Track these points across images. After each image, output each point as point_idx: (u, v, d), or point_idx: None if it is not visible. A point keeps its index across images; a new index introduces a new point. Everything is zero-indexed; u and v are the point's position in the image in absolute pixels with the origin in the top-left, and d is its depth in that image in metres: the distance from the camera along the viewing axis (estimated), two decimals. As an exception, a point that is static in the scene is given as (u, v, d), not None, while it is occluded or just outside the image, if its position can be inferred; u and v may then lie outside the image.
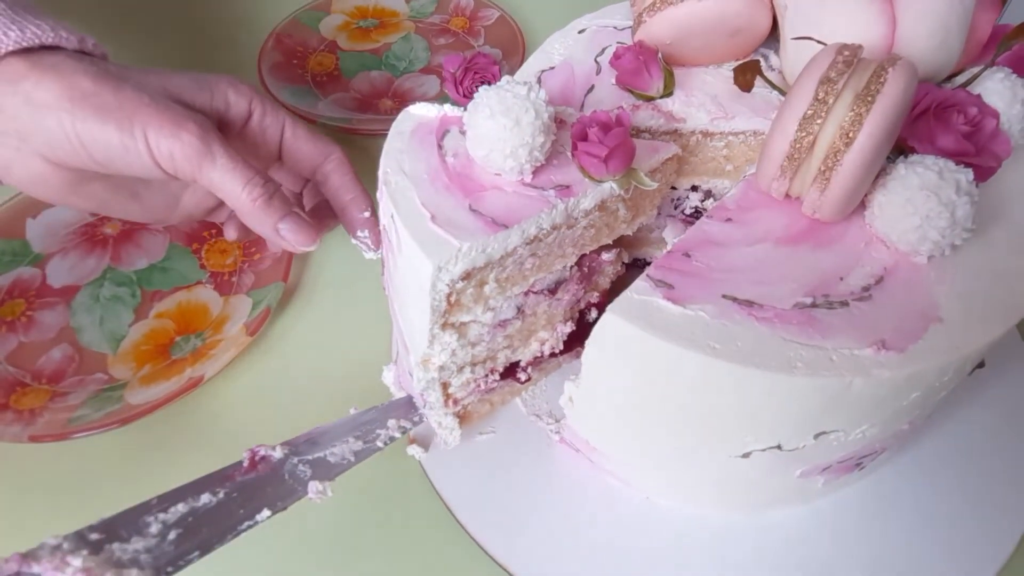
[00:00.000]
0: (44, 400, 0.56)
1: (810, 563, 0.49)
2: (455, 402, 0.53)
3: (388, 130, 0.48)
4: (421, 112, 0.48)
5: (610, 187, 0.45)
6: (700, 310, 0.39)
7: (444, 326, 0.45)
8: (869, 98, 0.36)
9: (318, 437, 0.47)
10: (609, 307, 0.40)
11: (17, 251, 0.66)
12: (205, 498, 0.40)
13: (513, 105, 0.42)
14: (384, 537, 0.51)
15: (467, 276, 0.43)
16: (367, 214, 0.55)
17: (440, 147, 0.47)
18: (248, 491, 0.42)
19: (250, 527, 0.41)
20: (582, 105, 0.50)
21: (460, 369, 0.51)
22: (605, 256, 0.54)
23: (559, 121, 0.48)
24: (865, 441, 0.44)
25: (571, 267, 0.51)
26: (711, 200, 0.50)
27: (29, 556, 0.33)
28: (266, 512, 0.41)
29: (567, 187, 0.44)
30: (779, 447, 0.43)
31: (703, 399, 0.41)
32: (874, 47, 0.42)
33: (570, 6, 0.98)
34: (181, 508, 0.39)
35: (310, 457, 0.45)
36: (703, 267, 0.41)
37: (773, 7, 0.47)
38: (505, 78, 0.45)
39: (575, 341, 0.58)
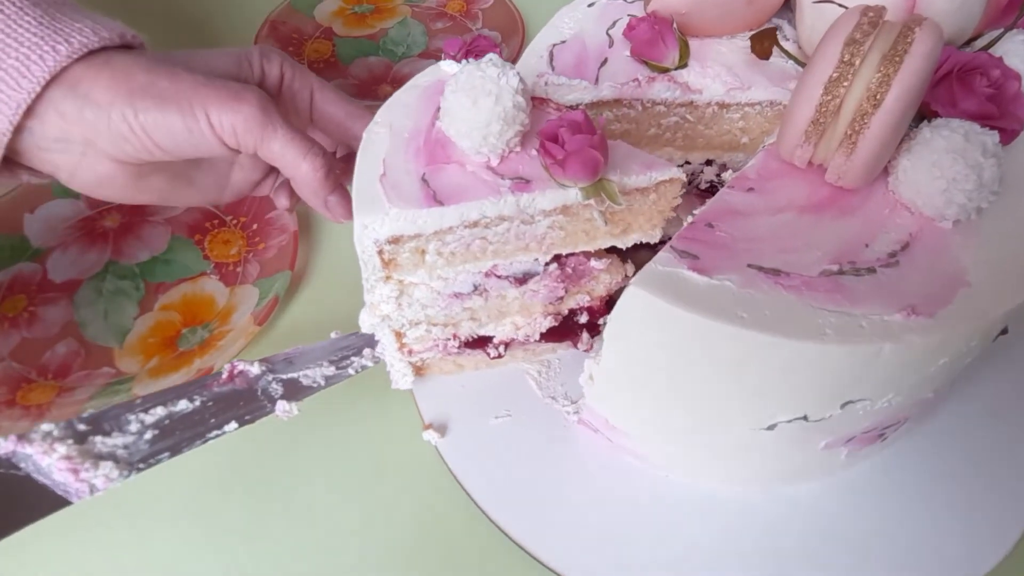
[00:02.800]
0: (51, 395, 0.55)
1: (830, 537, 0.49)
2: (411, 352, 0.53)
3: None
4: (448, 69, 0.48)
5: (575, 193, 0.43)
6: (726, 280, 0.39)
7: (386, 279, 0.46)
8: (897, 58, 0.36)
9: (296, 357, 0.49)
10: (633, 280, 0.39)
11: (16, 246, 0.65)
12: (182, 404, 0.43)
13: (476, 85, 0.40)
14: (403, 524, 0.51)
15: (396, 240, 0.43)
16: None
17: (439, 109, 0.46)
18: (222, 402, 0.45)
19: (217, 436, 0.44)
20: (596, 79, 0.49)
21: (414, 324, 0.51)
22: (595, 262, 0.52)
23: (558, 108, 0.47)
24: (890, 410, 0.44)
25: (546, 264, 0.50)
26: (729, 173, 0.49)
27: (23, 438, 0.38)
28: (233, 424, 0.44)
29: (527, 182, 0.43)
30: (805, 418, 0.43)
31: (730, 370, 0.40)
32: (895, 10, 0.42)
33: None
34: (160, 411, 0.43)
35: (284, 376, 0.48)
36: (727, 237, 0.40)
37: (789, -27, 0.47)
38: (490, 56, 0.43)
39: (565, 335, 0.57)
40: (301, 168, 0.48)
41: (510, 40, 0.85)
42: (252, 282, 0.64)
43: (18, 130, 0.43)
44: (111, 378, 0.57)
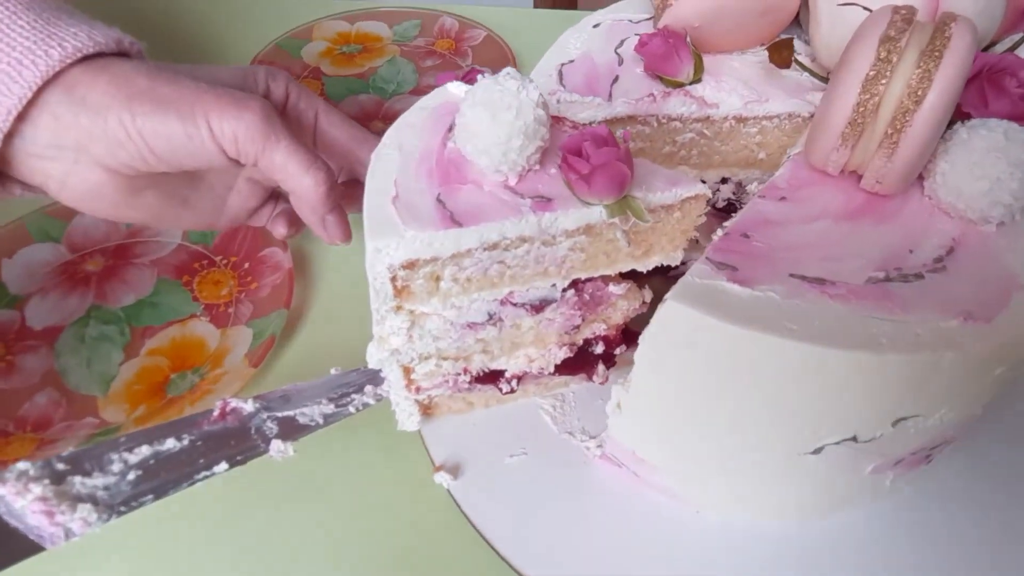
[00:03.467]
0: (31, 449, 0.50)
1: (873, 571, 0.46)
2: (419, 389, 0.50)
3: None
4: (456, 91, 0.46)
5: (599, 211, 0.41)
6: (769, 291, 0.36)
7: (397, 309, 0.43)
8: (936, 54, 0.34)
9: (293, 395, 0.46)
10: (669, 295, 0.37)
11: (-9, 294, 0.61)
12: (170, 443, 0.41)
13: (496, 99, 0.38)
14: (417, 572, 0.47)
15: (411, 265, 0.40)
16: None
17: (450, 129, 0.44)
18: (212, 441, 0.42)
19: (206, 477, 0.41)
20: (610, 95, 0.48)
21: (424, 358, 0.48)
22: (613, 288, 0.50)
23: (574, 126, 0.45)
24: (941, 428, 0.41)
25: (564, 289, 0.48)
26: (749, 192, 0.47)
27: None
28: (224, 465, 0.41)
29: (548, 200, 0.40)
30: (854, 439, 0.40)
31: (776, 387, 0.37)
32: (921, 12, 0.41)
33: (554, 23, 0.99)
34: (145, 450, 0.40)
35: (279, 414, 0.45)
36: (764, 247, 0.38)
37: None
38: (507, 69, 0.41)
39: (580, 368, 0.55)
40: (303, 181, 0.46)
41: (502, 75, 0.84)
42: (245, 323, 0.61)
43: (10, 135, 0.41)
44: (95, 429, 0.53)
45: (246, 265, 0.65)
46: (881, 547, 0.47)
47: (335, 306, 0.63)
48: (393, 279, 0.40)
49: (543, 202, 0.40)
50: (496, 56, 0.88)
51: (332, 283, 0.65)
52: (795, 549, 0.47)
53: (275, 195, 0.56)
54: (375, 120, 0.81)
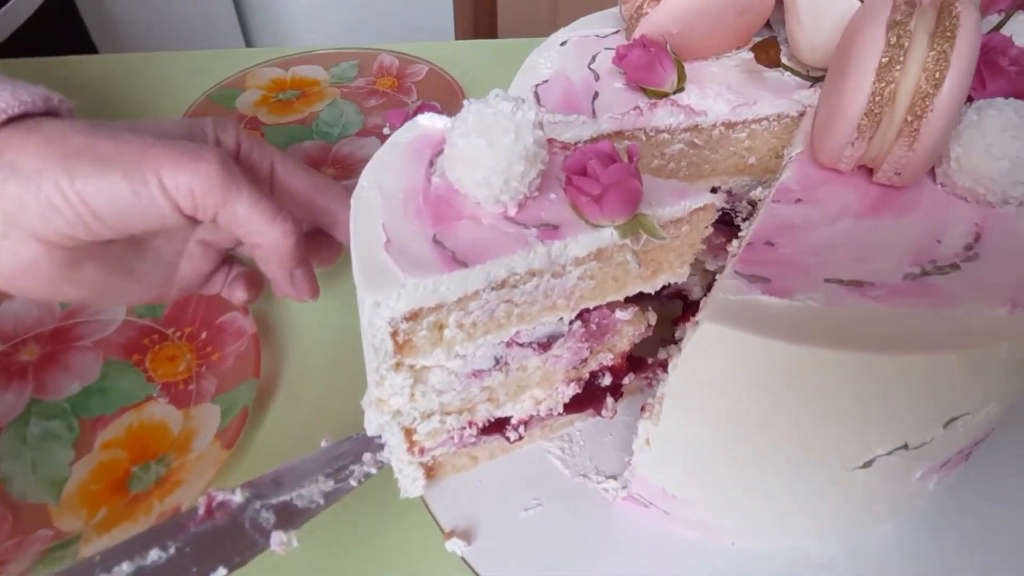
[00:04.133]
0: (-26, 578, 0.43)
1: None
2: (422, 451, 0.46)
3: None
4: (428, 123, 0.42)
5: (610, 234, 0.38)
6: (808, 299, 0.34)
7: (397, 367, 0.39)
8: (948, 34, 0.33)
9: (284, 476, 0.41)
10: (703, 316, 0.34)
11: (-91, 400, 0.53)
12: (154, 555, 0.36)
13: (491, 123, 0.35)
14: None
15: (415, 316, 0.36)
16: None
17: (431, 164, 0.41)
18: (203, 545, 0.37)
19: None
20: (593, 112, 0.45)
21: (426, 416, 0.44)
22: (620, 314, 0.46)
23: (563, 147, 0.42)
24: (987, 422, 0.39)
25: (571, 322, 0.44)
26: (760, 190, 0.45)
27: None
28: (222, 570, 0.36)
29: (555, 228, 0.37)
30: (905, 446, 0.37)
31: (826, 401, 0.35)
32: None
33: (498, 54, 0.97)
34: (126, 567, 0.35)
35: (274, 501, 0.40)
36: (792, 253, 0.36)
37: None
38: (495, 91, 0.38)
39: (588, 403, 0.51)
40: (270, 235, 0.42)
41: (452, 108, 0.81)
42: (210, 399, 0.55)
43: None
44: (50, 542, 0.46)
45: (203, 335, 0.60)
46: (929, 555, 0.45)
47: (309, 370, 0.58)
48: (394, 333, 0.36)
49: (550, 230, 0.37)
50: (443, 89, 0.85)
51: (302, 345, 0.60)
52: (839, 570, 0.44)
53: (229, 259, 0.51)
54: (324, 166, 0.77)
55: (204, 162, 0.39)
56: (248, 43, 2.01)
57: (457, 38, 2.09)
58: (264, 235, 0.42)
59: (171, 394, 0.56)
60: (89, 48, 1.21)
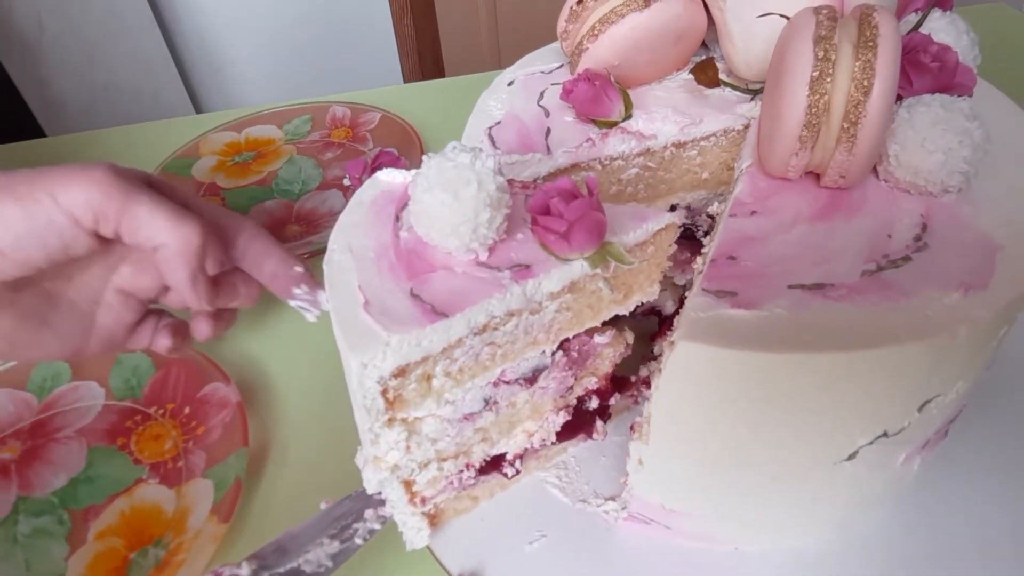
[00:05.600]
0: None
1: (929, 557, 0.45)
2: (423, 500, 0.46)
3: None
4: (388, 179, 0.43)
5: (580, 266, 0.39)
6: (774, 308, 0.35)
7: (389, 423, 0.39)
8: (870, 43, 0.35)
9: (288, 543, 0.41)
10: (677, 336, 0.35)
11: None
12: None
13: (452, 176, 0.36)
14: None
15: (402, 372, 0.37)
16: (299, 269, 0.48)
17: (397, 219, 0.41)
18: None
19: None
20: (547, 148, 0.46)
21: (424, 466, 0.44)
22: (599, 338, 0.48)
23: (524, 186, 0.44)
24: (958, 400, 0.41)
25: (553, 353, 0.45)
26: (717, 206, 0.47)
27: None
28: None
29: (527, 267, 0.38)
30: (885, 434, 0.39)
31: (805, 402, 0.36)
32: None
33: (448, 92, 0.99)
34: None
35: (282, 570, 0.40)
36: (754, 265, 0.37)
37: (705, 4, 0.47)
38: (451, 144, 0.39)
39: (578, 428, 0.52)
40: (175, 232, 0.41)
41: (409, 153, 0.82)
42: (201, 474, 0.54)
43: None
44: (55, 644, 0.45)
45: (186, 410, 0.59)
46: (924, 532, 0.46)
47: (299, 432, 0.58)
48: (384, 391, 0.36)
49: (522, 270, 0.38)
50: (397, 134, 0.86)
51: (288, 410, 0.59)
52: (841, 565, 0.46)
53: (157, 312, 0.50)
54: (289, 224, 0.77)
55: (97, 170, 0.39)
56: (198, 109, 2.00)
57: (405, 80, 2.11)
58: (169, 234, 0.41)
59: (161, 474, 0.55)
60: (36, 132, 1.20)
